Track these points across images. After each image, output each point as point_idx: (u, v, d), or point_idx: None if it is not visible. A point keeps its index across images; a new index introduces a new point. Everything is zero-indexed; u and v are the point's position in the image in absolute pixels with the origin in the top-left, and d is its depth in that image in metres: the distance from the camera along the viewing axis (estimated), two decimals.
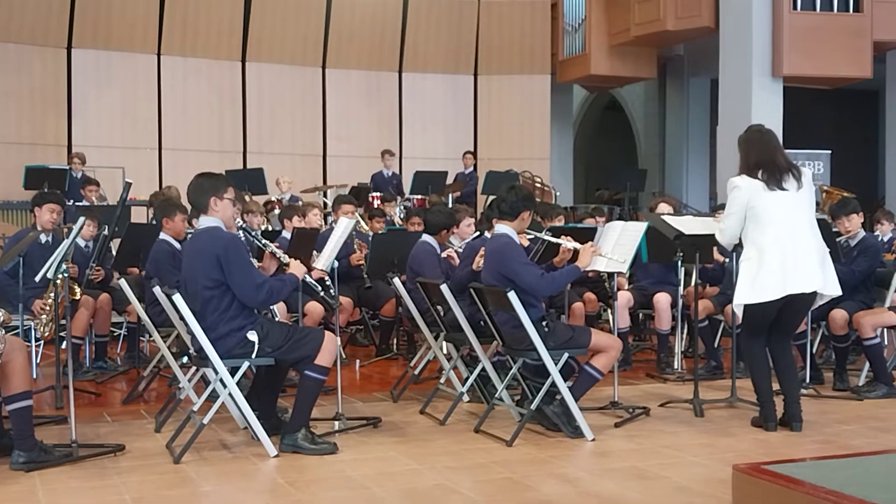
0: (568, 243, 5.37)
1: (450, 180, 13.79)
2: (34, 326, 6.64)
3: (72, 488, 4.14)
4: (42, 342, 7.38)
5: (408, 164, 15.71)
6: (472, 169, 14.80)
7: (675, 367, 7.25)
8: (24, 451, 4.36)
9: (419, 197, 13.02)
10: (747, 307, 5.13)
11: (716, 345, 7.34)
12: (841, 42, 12.95)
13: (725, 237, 5.28)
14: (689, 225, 5.96)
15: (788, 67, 12.85)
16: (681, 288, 7.03)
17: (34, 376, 6.54)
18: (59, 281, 5.66)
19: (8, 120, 13.83)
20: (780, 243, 5.01)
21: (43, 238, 6.78)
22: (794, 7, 12.91)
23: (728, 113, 13.36)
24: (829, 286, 5.13)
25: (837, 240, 6.46)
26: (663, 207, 7.33)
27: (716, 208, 10.45)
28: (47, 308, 6.47)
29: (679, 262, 6.58)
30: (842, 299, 6.50)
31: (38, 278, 5.38)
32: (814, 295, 5.13)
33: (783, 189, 5.04)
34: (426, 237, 6.99)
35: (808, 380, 6.50)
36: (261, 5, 15.18)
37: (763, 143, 5.17)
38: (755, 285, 5.05)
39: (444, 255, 6.91)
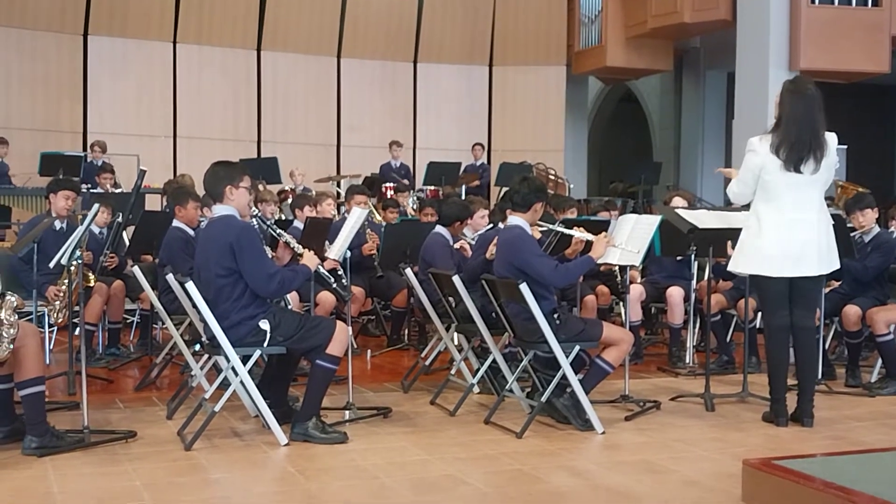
0: (580, 234, 5.37)
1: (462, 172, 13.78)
2: (47, 312, 6.67)
3: (83, 474, 4.16)
4: (55, 328, 7.41)
5: (421, 154, 15.72)
6: (482, 160, 14.77)
7: (687, 361, 7.23)
8: (36, 436, 4.39)
9: (432, 188, 13.02)
10: (756, 280, 5.15)
11: (728, 339, 7.32)
12: (858, 36, 12.85)
13: (736, 196, 5.25)
14: (703, 219, 5.94)
15: (805, 61, 12.76)
16: (693, 282, 7.01)
17: (47, 362, 6.57)
18: (72, 267, 5.69)
19: (24, 106, 13.90)
20: (781, 226, 5.00)
21: (57, 224, 6.81)
22: (812, 1, 12.82)
23: (744, 106, 13.29)
24: (833, 261, 5.12)
25: (851, 235, 6.42)
26: (677, 201, 7.30)
27: (730, 202, 10.43)
28: (61, 294, 6.50)
29: (692, 257, 6.56)
30: (855, 295, 6.51)
31: (52, 264, 5.40)
32: (819, 277, 5.13)
33: (799, 172, 4.98)
34: (439, 228, 6.99)
35: (820, 375, 6.47)
36: None
37: (796, 110, 5.00)
38: (755, 256, 5.07)
39: (456, 246, 6.90)
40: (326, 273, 5.29)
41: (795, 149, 4.97)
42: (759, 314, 7.19)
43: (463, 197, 11.41)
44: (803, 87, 5.09)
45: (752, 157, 5.07)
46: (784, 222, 5.01)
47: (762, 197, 5.08)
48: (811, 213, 5.04)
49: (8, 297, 4.32)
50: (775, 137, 5.01)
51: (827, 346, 6.94)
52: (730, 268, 5.30)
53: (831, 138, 5.07)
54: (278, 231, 5.30)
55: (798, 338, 5.22)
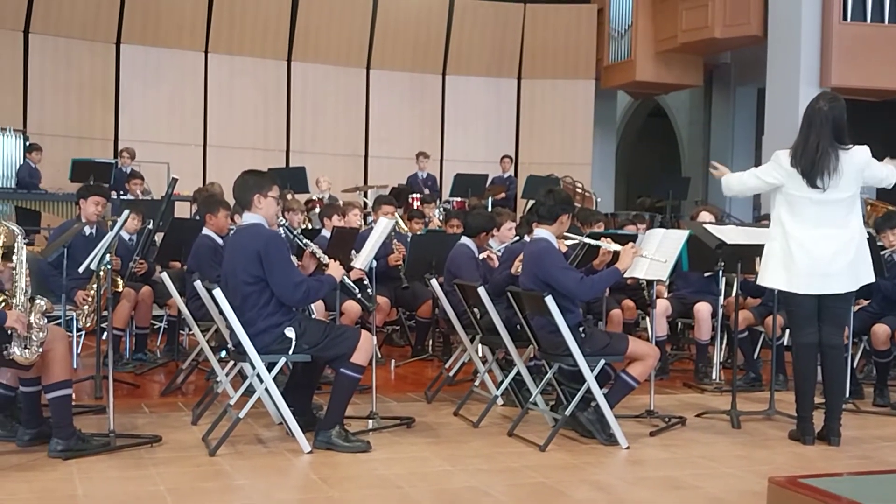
0: (607, 245, 5.35)
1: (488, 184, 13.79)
2: (76, 317, 6.73)
3: (108, 477, 4.19)
4: (83, 333, 7.48)
5: (448, 166, 15.75)
6: (510, 173, 14.77)
7: (714, 377, 7.17)
8: (62, 439, 4.42)
9: (458, 199, 13.03)
10: (784, 296, 5.13)
11: (755, 356, 7.25)
12: (890, 54, 12.75)
13: (729, 189, 5.30)
14: (731, 234, 5.90)
15: (836, 78, 12.67)
16: (721, 298, 6.96)
17: (74, 366, 6.63)
18: (101, 273, 5.74)
19: (56, 113, 14.07)
20: (807, 242, 4.97)
21: (87, 230, 6.88)
22: (844, 17, 12.74)
23: (774, 122, 13.21)
24: (862, 276, 5.07)
25: (882, 253, 6.36)
26: (705, 216, 7.26)
27: (759, 218, 10.35)
28: (89, 299, 6.56)
29: (720, 272, 6.52)
30: (884, 314, 6.44)
31: (81, 269, 5.46)
32: (848, 294, 5.09)
33: (816, 187, 4.95)
34: (464, 239, 6.99)
35: (848, 394, 6.40)
36: (307, 6, 15.29)
37: (805, 125, 5.02)
38: (782, 272, 5.03)
39: (482, 256, 6.90)
40: (352, 283, 5.31)
41: (805, 164, 4.96)
42: (787, 331, 7.14)
43: (489, 209, 11.41)
44: (815, 102, 5.11)
45: (776, 170, 5.06)
46: (810, 238, 4.98)
47: (787, 211, 5.05)
48: (837, 229, 5.00)
49: (37, 301, 4.37)
50: (796, 155, 5.02)
51: (855, 365, 6.87)
52: (759, 281, 5.26)
53: (858, 152, 5.02)
54: (304, 241, 5.33)
55: (826, 356, 5.17)
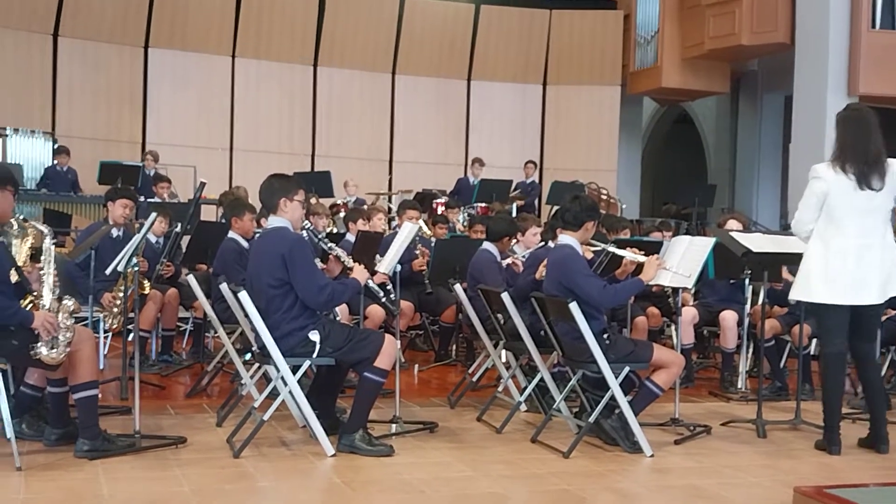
0: (632, 255, 5.33)
1: (512, 190, 13.79)
2: (102, 318, 6.78)
3: (133, 477, 4.22)
4: (110, 334, 7.53)
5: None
6: (533, 178, 14.76)
7: (739, 386, 7.12)
8: (88, 439, 4.45)
9: (483, 205, 13.03)
10: (816, 307, 5.07)
11: (782, 366, 7.20)
12: None
13: (800, 228, 5.17)
14: (757, 242, 5.86)
15: (864, 86, 12.57)
16: (747, 306, 6.91)
17: (101, 367, 6.67)
18: (128, 275, 5.78)
19: (85, 116, 14.19)
20: (848, 253, 4.93)
21: (114, 232, 6.92)
22: (873, 25, 12.64)
23: (801, 130, 13.12)
24: (889, 289, 5.03)
25: None
26: (732, 224, 7.21)
27: (786, 227, 10.28)
28: (117, 301, 6.61)
29: (746, 280, 6.48)
30: None
31: (108, 271, 5.50)
32: (879, 305, 5.06)
33: (871, 188, 4.92)
34: (486, 245, 6.98)
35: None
36: (334, 11, 15.36)
37: (859, 128, 4.99)
38: (819, 284, 4.98)
39: (507, 262, 6.89)
40: (376, 287, 5.31)
41: (862, 166, 4.92)
42: (814, 341, 7.08)
43: (514, 214, 11.39)
44: (857, 109, 5.11)
45: (818, 183, 5.02)
46: (850, 248, 4.95)
47: (827, 223, 5.01)
48: (876, 239, 4.98)
49: (65, 301, 4.41)
50: (841, 159, 4.97)
51: (882, 375, 6.80)
52: (792, 296, 5.20)
53: (893, 163, 5.00)
54: (329, 244, 5.34)
55: (867, 367, 5.19)
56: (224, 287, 5.16)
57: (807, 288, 5.08)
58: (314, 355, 4.75)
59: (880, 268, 4.97)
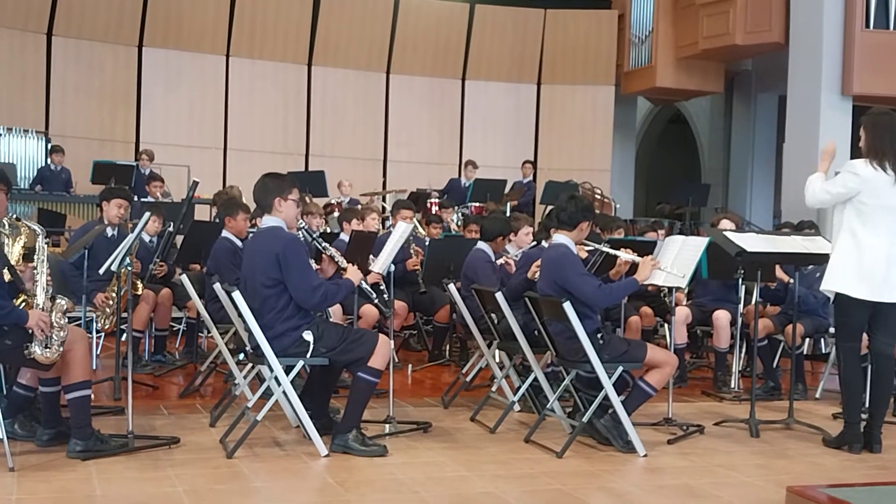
0: (626, 255, 5.33)
1: (507, 188, 13.78)
2: (95, 318, 6.77)
3: (126, 478, 4.21)
4: (103, 334, 7.52)
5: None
6: (530, 178, 14.77)
7: (732, 385, 7.14)
8: (81, 439, 4.45)
9: (477, 204, 13.02)
10: (840, 301, 5.08)
11: (774, 365, 7.21)
12: None
13: (813, 201, 5.19)
14: (751, 242, 5.87)
15: (858, 86, 12.58)
16: (741, 306, 6.92)
17: (94, 367, 6.66)
18: (121, 274, 5.77)
19: (79, 115, 14.17)
20: (880, 251, 4.96)
21: (108, 231, 6.91)
22: (867, 25, 12.65)
23: (795, 130, 13.14)
24: None
25: None
26: (725, 223, 7.22)
27: (779, 226, 10.29)
28: (109, 301, 6.59)
29: (740, 280, 6.49)
30: None
31: (101, 271, 5.48)
32: None
33: None
34: (481, 244, 6.99)
35: (867, 403, 6.35)
36: (328, 11, 15.35)
37: (893, 128, 5.03)
38: (850, 276, 5.00)
39: (500, 262, 6.89)
40: (369, 287, 5.31)
41: None
42: (807, 340, 7.10)
43: (508, 214, 11.39)
44: (888, 113, 5.15)
45: (853, 179, 5.03)
46: (882, 246, 4.98)
47: (859, 221, 5.03)
48: None
49: (58, 301, 4.40)
50: (879, 157, 4.99)
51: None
52: (826, 286, 5.19)
53: None
54: (323, 244, 5.34)
55: (879, 364, 5.20)
56: (217, 287, 5.16)
57: (838, 280, 5.07)
58: (308, 355, 4.74)
59: None
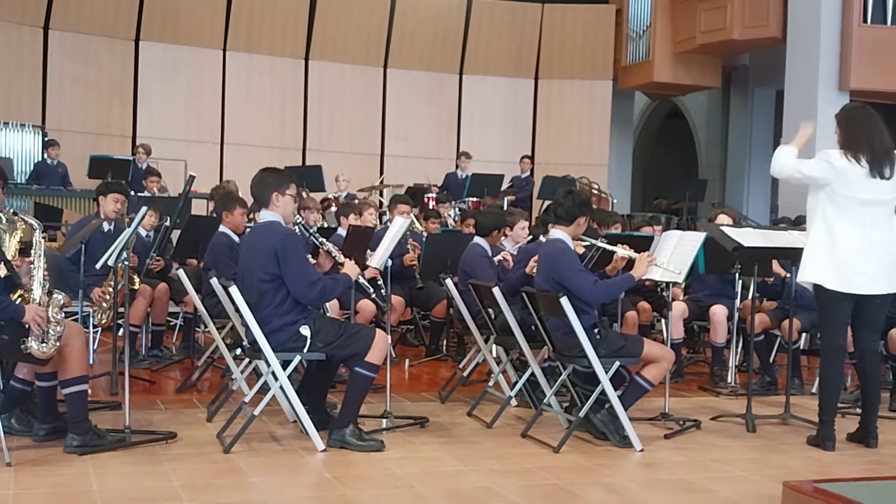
0: (623, 251, 5.33)
1: (506, 184, 13.78)
2: (92, 313, 6.76)
3: (123, 473, 4.21)
4: (100, 329, 7.52)
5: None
6: (528, 173, 14.76)
7: (729, 380, 7.14)
8: (78, 434, 4.45)
9: (474, 199, 13.02)
10: (818, 293, 5.06)
11: (771, 360, 7.22)
12: None
13: (782, 172, 5.14)
14: (748, 237, 5.87)
15: (856, 81, 12.58)
16: (737, 301, 6.93)
17: (91, 362, 6.66)
18: (118, 269, 5.77)
19: (75, 109, 14.12)
20: (856, 242, 4.94)
21: (105, 226, 6.91)
22: (864, 20, 12.64)
23: (793, 125, 13.01)
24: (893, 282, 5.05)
25: None
26: (723, 219, 7.23)
27: (776, 221, 10.30)
28: (106, 296, 6.59)
29: (736, 275, 6.49)
30: None
31: (98, 266, 5.48)
32: (885, 296, 5.07)
33: (882, 177, 4.94)
34: (477, 239, 6.98)
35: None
36: (325, 4, 15.31)
37: (867, 122, 5.03)
38: (827, 268, 4.98)
39: (498, 258, 6.89)
40: (366, 282, 5.31)
41: (877, 154, 4.95)
42: (804, 335, 7.10)
43: (505, 209, 11.38)
44: (861, 106, 5.15)
45: (826, 167, 4.98)
46: (857, 237, 4.95)
47: (834, 213, 5.00)
48: (882, 231, 4.99)
49: (55, 296, 4.40)
50: (853, 149, 4.97)
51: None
52: (800, 277, 5.19)
53: None
54: (320, 239, 5.34)
55: (866, 360, 5.19)
56: (214, 281, 5.15)
57: (814, 271, 5.05)
58: (305, 350, 4.74)
59: (888, 258, 4.98)
